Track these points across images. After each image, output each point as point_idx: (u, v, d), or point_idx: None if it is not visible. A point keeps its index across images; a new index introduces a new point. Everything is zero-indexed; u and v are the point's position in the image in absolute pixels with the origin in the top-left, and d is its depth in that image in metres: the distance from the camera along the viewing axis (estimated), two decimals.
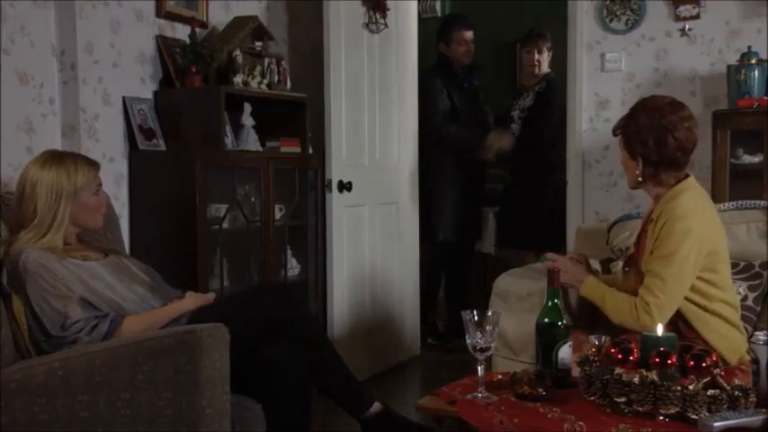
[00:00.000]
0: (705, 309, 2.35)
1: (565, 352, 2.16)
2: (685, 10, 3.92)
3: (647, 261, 2.35)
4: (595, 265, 2.85)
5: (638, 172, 2.40)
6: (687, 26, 3.93)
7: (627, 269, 2.57)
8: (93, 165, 2.52)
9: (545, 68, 4.68)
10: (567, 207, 4.21)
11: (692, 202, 2.36)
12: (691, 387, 1.85)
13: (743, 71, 3.57)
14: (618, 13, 4.05)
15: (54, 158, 2.46)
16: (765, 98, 3.53)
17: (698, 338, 2.33)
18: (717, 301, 2.37)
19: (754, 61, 3.58)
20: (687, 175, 2.43)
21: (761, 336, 1.96)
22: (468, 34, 4.72)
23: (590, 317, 2.59)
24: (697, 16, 3.90)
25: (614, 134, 2.48)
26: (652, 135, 2.34)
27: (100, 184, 2.53)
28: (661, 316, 2.28)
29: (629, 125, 2.40)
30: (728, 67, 3.69)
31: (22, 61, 2.92)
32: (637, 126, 2.37)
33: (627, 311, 2.32)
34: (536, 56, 4.68)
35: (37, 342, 2.29)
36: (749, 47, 3.63)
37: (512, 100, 4.83)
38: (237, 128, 3.58)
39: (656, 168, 2.37)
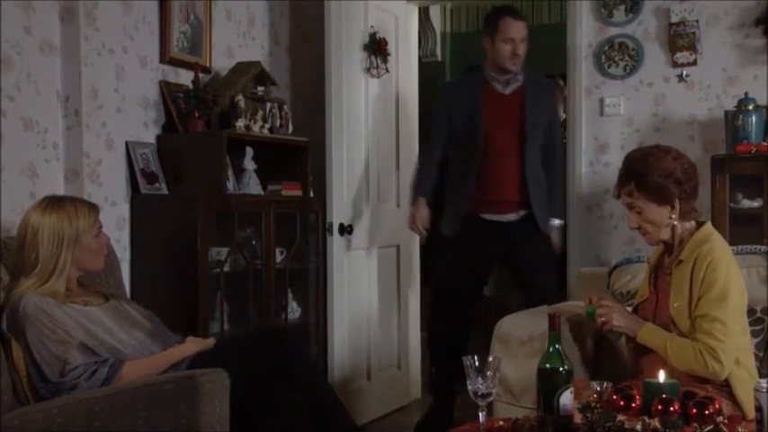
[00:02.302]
0: (737, 362, 2.33)
1: (566, 398, 2.14)
2: (683, 56, 3.96)
3: (699, 306, 2.31)
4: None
5: (673, 216, 2.38)
6: (685, 72, 3.97)
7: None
8: (93, 208, 2.54)
9: (560, 115, 4.48)
10: (568, 250, 4.20)
11: (724, 243, 2.41)
12: None
13: (740, 117, 3.59)
14: (616, 58, 4.09)
15: (54, 204, 2.47)
16: (763, 143, 3.55)
17: (721, 386, 2.31)
18: (744, 351, 2.36)
19: (751, 107, 3.60)
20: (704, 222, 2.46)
21: (764, 383, 1.95)
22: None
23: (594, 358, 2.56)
24: (694, 63, 3.95)
25: (629, 196, 2.40)
26: (679, 171, 2.36)
27: (100, 227, 2.55)
28: (728, 359, 2.27)
29: (649, 176, 2.35)
30: (726, 112, 3.72)
31: (27, 107, 2.96)
32: (663, 171, 2.35)
33: (692, 359, 2.28)
34: None
35: (35, 388, 2.28)
36: (746, 93, 3.66)
37: None
38: (239, 171, 3.60)
39: (689, 201, 2.40)
